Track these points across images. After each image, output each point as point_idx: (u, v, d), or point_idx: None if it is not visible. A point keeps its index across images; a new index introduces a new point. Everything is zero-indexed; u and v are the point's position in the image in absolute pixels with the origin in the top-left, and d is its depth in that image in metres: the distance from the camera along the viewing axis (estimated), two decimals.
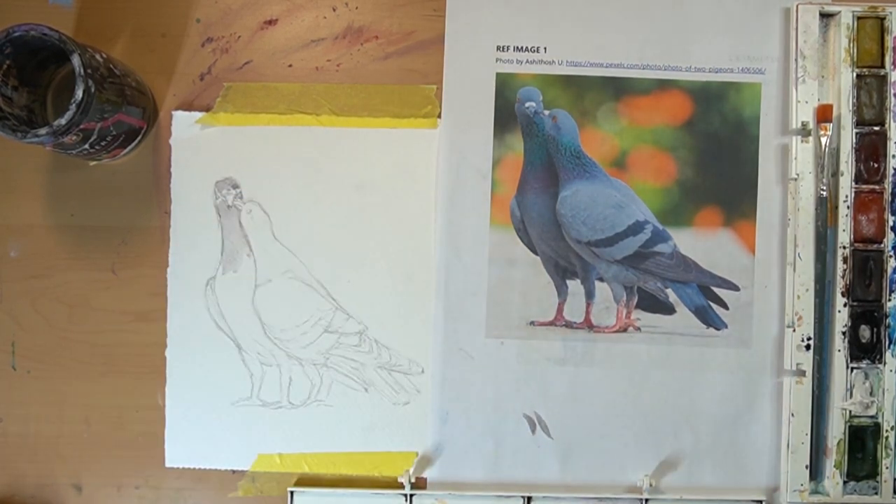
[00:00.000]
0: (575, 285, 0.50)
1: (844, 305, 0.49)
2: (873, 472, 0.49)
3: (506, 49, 0.50)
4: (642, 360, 0.50)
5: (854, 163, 0.49)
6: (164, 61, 0.51)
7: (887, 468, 0.48)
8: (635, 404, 0.50)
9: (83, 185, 0.51)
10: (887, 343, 0.49)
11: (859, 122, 0.49)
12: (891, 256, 0.49)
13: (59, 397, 0.50)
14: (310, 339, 0.50)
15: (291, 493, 0.49)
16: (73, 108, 0.42)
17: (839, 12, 0.49)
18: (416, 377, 0.50)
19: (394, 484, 0.49)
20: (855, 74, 0.49)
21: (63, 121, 0.42)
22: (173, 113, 0.50)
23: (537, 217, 0.50)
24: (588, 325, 0.50)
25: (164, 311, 0.50)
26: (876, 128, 0.49)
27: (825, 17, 0.49)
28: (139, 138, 0.50)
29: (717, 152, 0.50)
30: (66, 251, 0.51)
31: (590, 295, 0.50)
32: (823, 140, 0.48)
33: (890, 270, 0.49)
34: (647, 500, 0.49)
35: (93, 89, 0.42)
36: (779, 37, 0.50)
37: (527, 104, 0.50)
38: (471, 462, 0.50)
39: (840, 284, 0.49)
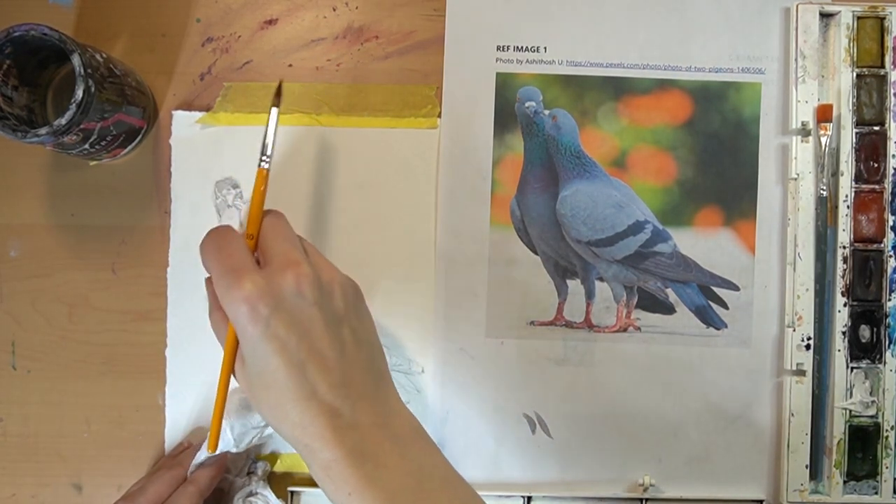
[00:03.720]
0: (575, 285, 0.50)
1: (844, 305, 0.49)
2: (873, 472, 0.49)
3: (506, 49, 0.50)
4: (642, 360, 0.50)
5: (854, 163, 0.49)
6: (164, 61, 0.51)
7: (887, 468, 0.48)
8: (635, 404, 0.50)
9: (83, 185, 0.51)
10: (887, 343, 0.49)
11: (859, 122, 0.49)
12: (891, 256, 0.49)
13: (59, 397, 0.50)
14: None
15: (291, 493, 0.49)
16: (73, 107, 0.42)
17: (839, 12, 0.49)
18: (417, 377, 0.50)
19: None
20: (855, 74, 0.49)
21: (63, 121, 0.42)
22: (173, 113, 0.50)
23: (537, 217, 0.50)
24: (588, 324, 0.50)
25: (164, 311, 0.50)
26: (876, 128, 0.49)
27: (825, 16, 0.49)
28: (139, 138, 0.50)
29: (717, 152, 0.50)
30: (66, 251, 0.51)
31: (590, 295, 0.50)
32: (823, 140, 0.48)
33: (890, 270, 0.49)
34: (647, 499, 0.49)
35: (93, 89, 0.42)
36: (779, 37, 0.50)
37: (527, 104, 0.50)
38: (471, 462, 0.50)
39: (840, 284, 0.49)
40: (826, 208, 0.49)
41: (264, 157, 0.40)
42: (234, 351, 0.38)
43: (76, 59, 0.42)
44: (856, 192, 0.49)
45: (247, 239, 0.39)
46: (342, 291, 0.38)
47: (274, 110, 0.41)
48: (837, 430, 0.48)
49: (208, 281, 0.39)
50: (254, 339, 0.35)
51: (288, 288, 0.36)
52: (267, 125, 0.41)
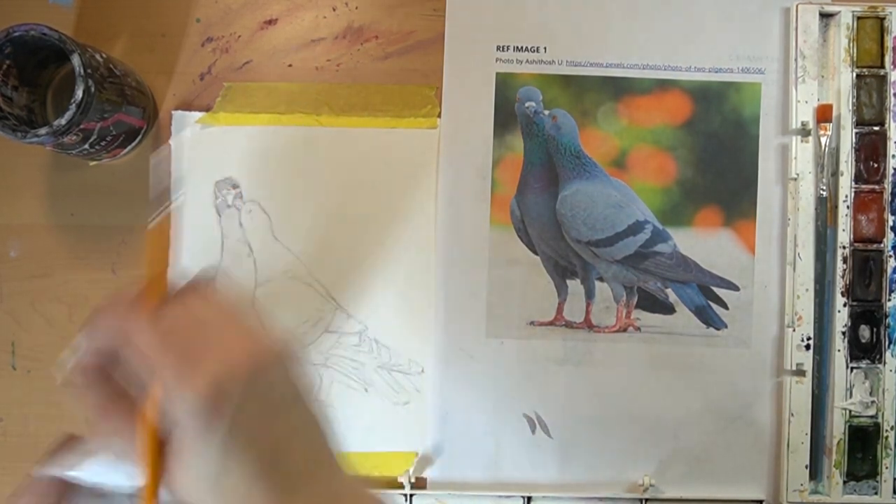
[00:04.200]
0: (575, 285, 0.50)
1: (844, 305, 0.49)
2: (873, 472, 0.49)
3: (506, 49, 0.50)
4: (642, 360, 0.50)
5: (854, 163, 0.49)
6: (164, 61, 0.51)
7: (887, 468, 0.48)
8: (635, 404, 0.50)
9: (83, 185, 0.51)
10: (887, 343, 0.49)
11: (859, 122, 0.49)
12: (890, 256, 0.49)
13: (59, 397, 0.50)
14: (310, 339, 0.50)
15: None
16: (73, 108, 0.42)
17: (839, 12, 0.49)
18: (416, 377, 0.50)
19: (394, 484, 0.49)
20: (855, 74, 0.49)
21: (63, 121, 0.42)
22: (173, 113, 0.50)
23: (537, 217, 0.50)
24: (588, 325, 0.50)
25: None
26: (876, 128, 0.49)
27: (825, 17, 0.49)
28: (139, 138, 0.50)
29: (717, 152, 0.50)
30: (66, 251, 0.50)
31: (590, 295, 0.50)
32: (823, 140, 0.48)
33: (890, 270, 0.49)
34: (646, 500, 0.49)
35: (93, 89, 0.42)
36: (779, 37, 0.50)
37: (527, 104, 0.50)
38: (471, 462, 0.50)
39: (840, 284, 0.49)
40: (826, 208, 0.49)
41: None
42: (158, 459, 0.30)
43: (76, 59, 0.42)
44: (856, 192, 0.49)
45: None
46: (292, 364, 0.32)
47: None
48: (837, 430, 0.48)
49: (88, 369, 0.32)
50: (216, 434, 0.29)
51: (251, 370, 0.29)
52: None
